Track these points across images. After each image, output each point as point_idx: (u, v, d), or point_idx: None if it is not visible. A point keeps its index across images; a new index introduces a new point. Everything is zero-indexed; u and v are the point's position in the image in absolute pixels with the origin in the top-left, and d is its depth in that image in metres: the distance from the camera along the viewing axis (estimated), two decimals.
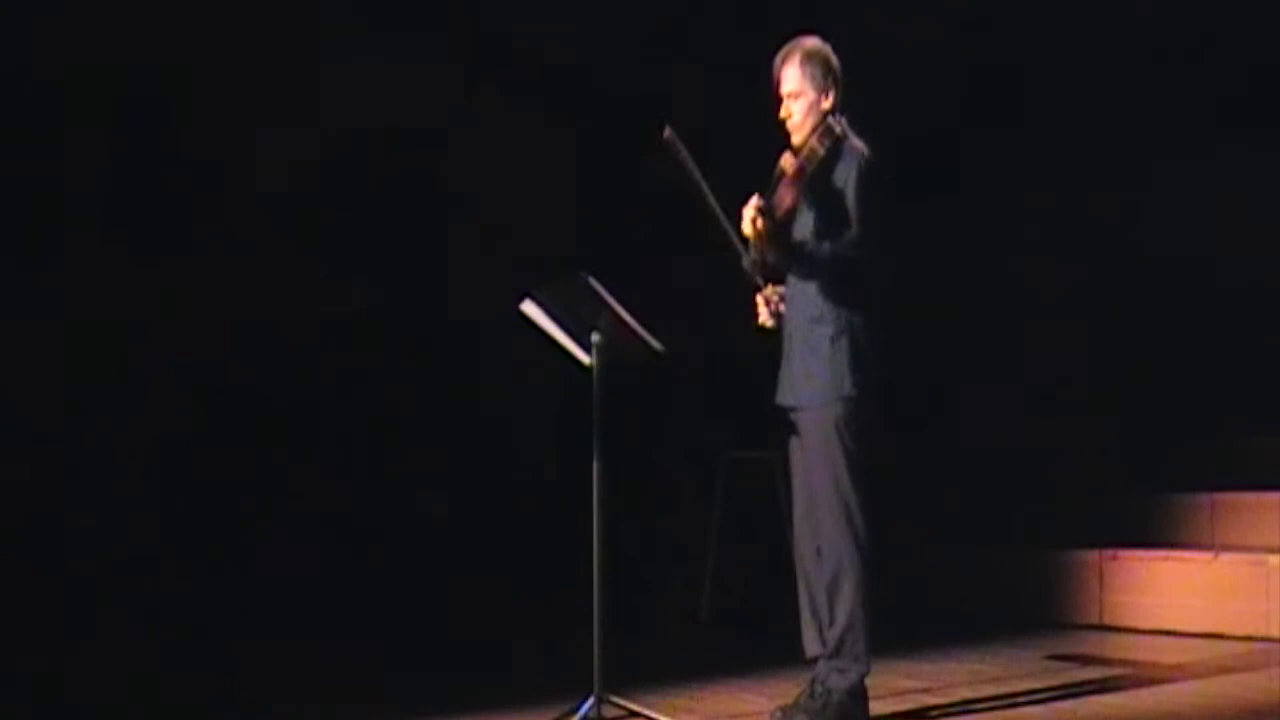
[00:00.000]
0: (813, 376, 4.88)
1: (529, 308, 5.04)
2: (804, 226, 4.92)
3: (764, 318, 5.01)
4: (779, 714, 4.99)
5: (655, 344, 4.95)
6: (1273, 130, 8.11)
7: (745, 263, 4.84)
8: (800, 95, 4.93)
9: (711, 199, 4.79)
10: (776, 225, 4.79)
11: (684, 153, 4.75)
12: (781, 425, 5.04)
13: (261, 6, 7.54)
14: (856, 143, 4.91)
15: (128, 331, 7.22)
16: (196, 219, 7.43)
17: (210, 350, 7.42)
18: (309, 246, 7.73)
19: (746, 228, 4.77)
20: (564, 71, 8.34)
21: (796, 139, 4.95)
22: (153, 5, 7.21)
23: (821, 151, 4.84)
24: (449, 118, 8.10)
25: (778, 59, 4.98)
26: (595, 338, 4.98)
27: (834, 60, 4.96)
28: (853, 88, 4.98)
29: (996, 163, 8.94)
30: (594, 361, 5.01)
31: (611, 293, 4.88)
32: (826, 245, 4.81)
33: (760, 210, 4.74)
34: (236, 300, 7.48)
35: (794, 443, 5.02)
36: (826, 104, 4.93)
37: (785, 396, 5.01)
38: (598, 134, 8.40)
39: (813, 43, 4.98)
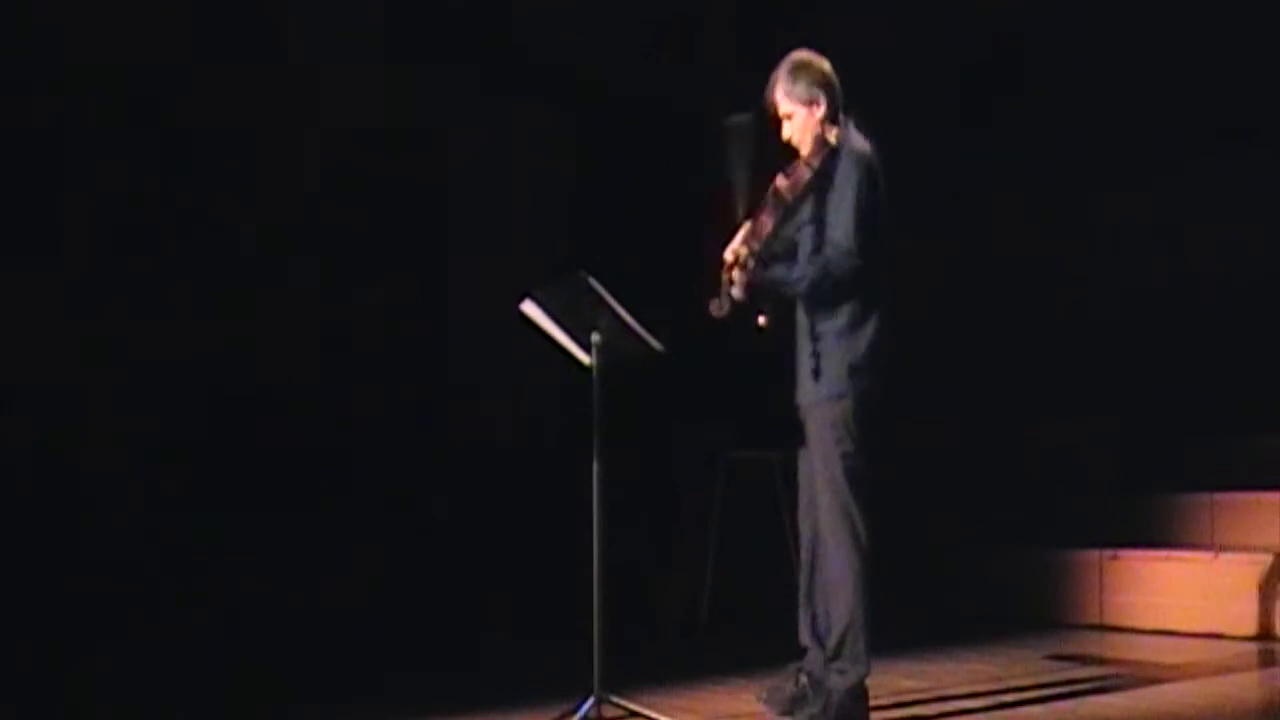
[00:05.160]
0: (814, 375, 4.91)
1: (529, 308, 5.04)
2: (806, 241, 4.94)
3: (728, 256, 4.92)
4: (764, 694, 5.11)
5: (655, 344, 4.96)
6: (1273, 131, 8.12)
7: (712, 307, 4.81)
8: (792, 114, 4.97)
9: (743, 200, 4.81)
10: (755, 255, 4.79)
11: (739, 146, 4.78)
12: (789, 425, 5.06)
13: (263, 5, 7.54)
14: (857, 144, 4.92)
15: (128, 331, 7.21)
16: (194, 219, 7.42)
17: (210, 350, 7.41)
18: (308, 246, 7.72)
19: (729, 256, 4.79)
20: (565, 71, 8.34)
21: (804, 152, 4.97)
22: (154, 3, 7.20)
23: (808, 174, 4.86)
24: (449, 118, 8.10)
25: (768, 87, 5.00)
26: (595, 338, 4.99)
27: (821, 66, 4.98)
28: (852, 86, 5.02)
29: (996, 162, 8.94)
30: (594, 361, 5.01)
31: (611, 292, 4.88)
32: (816, 264, 4.83)
33: (739, 259, 4.76)
34: (235, 300, 7.47)
35: (804, 440, 5.05)
36: (819, 113, 4.95)
37: (799, 395, 5.05)
38: (598, 134, 8.40)
39: (796, 57, 5.00)
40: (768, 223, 4.83)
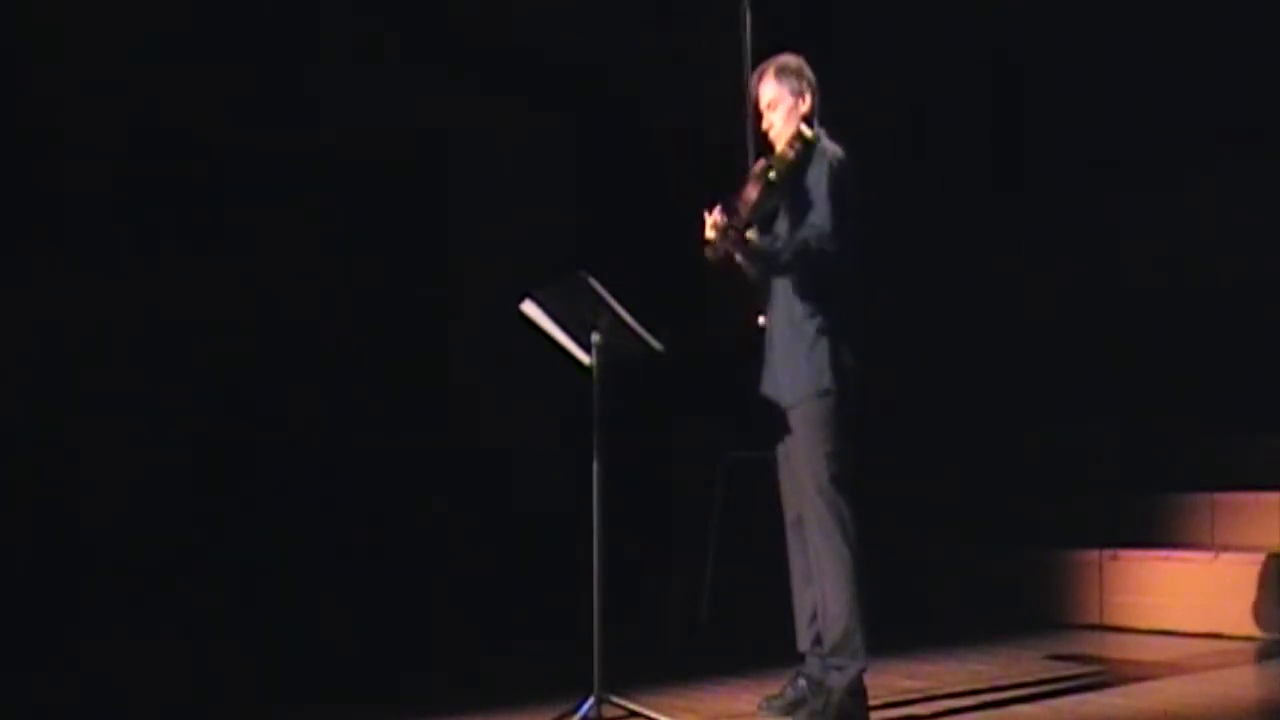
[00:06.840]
0: (793, 374, 4.96)
1: (529, 308, 5.04)
2: (778, 228, 5.01)
3: (709, 232, 4.93)
4: (764, 703, 5.14)
5: (655, 343, 4.96)
6: (1275, 130, 8.13)
7: (707, 251, 4.92)
8: (778, 103, 5.10)
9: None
10: (739, 223, 4.86)
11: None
12: (774, 423, 5.07)
13: (264, 5, 7.54)
14: (830, 145, 5.02)
15: (130, 330, 7.21)
16: (195, 219, 7.43)
17: (209, 349, 7.41)
18: (307, 245, 7.72)
19: (709, 231, 4.86)
20: (565, 71, 8.34)
21: (780, 147, 5.06)
22: (154, 5, 7.21)
23: (791, 155, 4.93)
24: (449, 118, 8.10)
25: (754, 79, 5.18)
26: (595, 338, 4.99)
27: (808, 71, 5.14)
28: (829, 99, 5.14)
29: (995, 163, 8.95)
30: (594, 361, 5.01)
31: (611, 292, 4.89)
32: (793, 238, 4.89)
33: (719, 226, 4.83)
34: (235, 300, 7.47)
35: (781, 440, 5.06)
36: (804, 107, 5.09)
37: (768, 389, 5.08)
38: (598, 134, 8.40)
39: (786, 58, 5.16)
40: (752, 194, 4.89)
